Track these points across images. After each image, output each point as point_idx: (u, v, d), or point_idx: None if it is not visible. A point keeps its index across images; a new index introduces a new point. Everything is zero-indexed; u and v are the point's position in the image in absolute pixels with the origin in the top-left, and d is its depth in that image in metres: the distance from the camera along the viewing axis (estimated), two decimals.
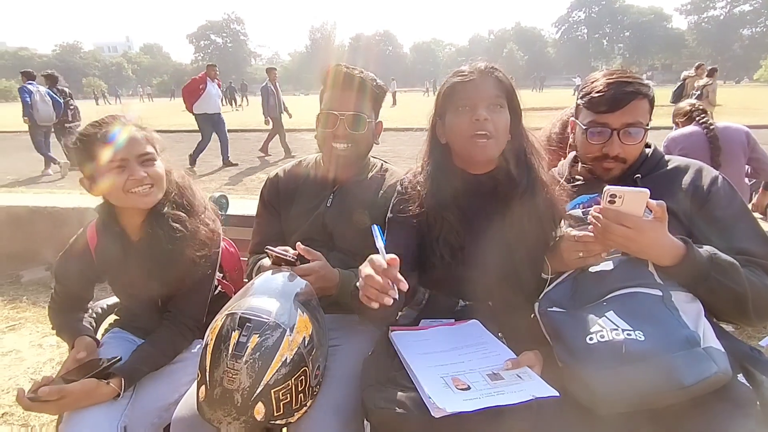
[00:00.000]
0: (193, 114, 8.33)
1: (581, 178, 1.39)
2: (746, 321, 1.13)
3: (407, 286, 0.99)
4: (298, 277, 1.20)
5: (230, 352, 0.99)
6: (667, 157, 1.36)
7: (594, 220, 1.09)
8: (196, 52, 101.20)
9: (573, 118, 1.39)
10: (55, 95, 8.15)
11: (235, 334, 1.01)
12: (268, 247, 1.30)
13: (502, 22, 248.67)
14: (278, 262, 1.28)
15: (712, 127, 2.79)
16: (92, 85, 69.47)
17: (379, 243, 1.08)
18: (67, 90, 8.68)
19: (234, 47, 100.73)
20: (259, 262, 1.42)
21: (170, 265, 1.34)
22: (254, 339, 1.00)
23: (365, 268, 1.03)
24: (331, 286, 1.32)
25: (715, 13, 78.36)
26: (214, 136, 8.61)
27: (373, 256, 1.04)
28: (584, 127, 1.29)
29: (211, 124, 8.46)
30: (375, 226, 1.13)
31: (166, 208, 1.35)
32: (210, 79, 8.30)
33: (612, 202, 1.05)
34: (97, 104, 41.99)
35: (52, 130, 8.34)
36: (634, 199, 1.04)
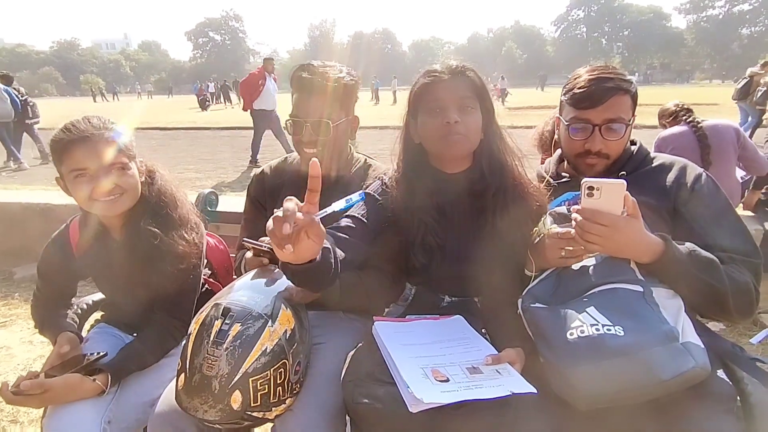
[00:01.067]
0: (252, 110, 8.01)
1: (567, 175, 1.40)
2: (728, 318, 1.13)
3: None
4: (284, 277, 1.20)
5: (211, 339, 1.01)
6: (652, 154, 1.36)
7: (573, 221, 1.09)
8: (195, 50, 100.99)
9: (557, 115, 1.39)
10: (12, 93, 8.46)
11: (217, 323, 1.03)
12: (245, 239, 1.31)
13: (501, 20, 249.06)
14: (257, 254, 1.28)
15: (699, 125, 2.80)
16: (90, 82, 69.30)
17: (338, 205, 1.01)
18: (22, 89, 9.12)
19: (233, 45, 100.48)
20: (244, 256, 1.42)
21: (150, 273, 1.34)
22: (236, 327, 1.01)
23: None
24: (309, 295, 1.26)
25: (714, 12, 78.35)
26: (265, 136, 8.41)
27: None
28: (567, 123, 1.30)
29: (267, 121, 8.17)
30: (356, 197, 1.05)
31: (142, 221, 1.33)
32: (268, 73, 7.98)
33: (590, 195, 1.05)
34: (95, 101, 41.92)
35: (11, 126, 8.69)
36: (611, 190, 1.04)
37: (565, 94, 1.31)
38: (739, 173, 3.09)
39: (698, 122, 2.80)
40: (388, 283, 1.35)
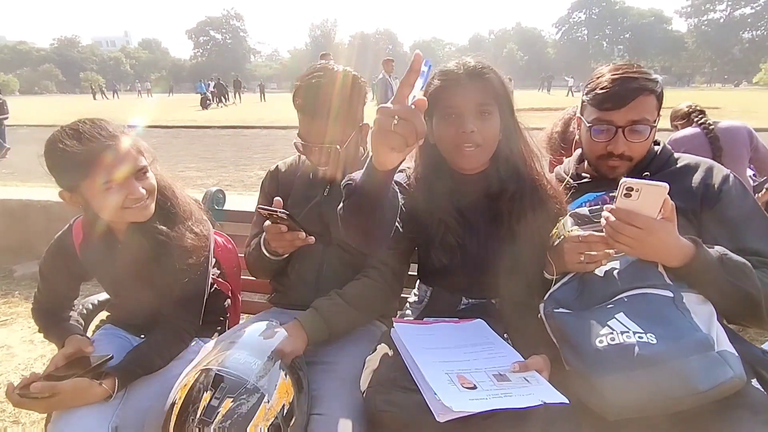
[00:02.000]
0: None
1: (588, 175, 1.36)
2: (758, 323, 1.09)
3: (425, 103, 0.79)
4: (282, 329, 1.15)
5: (198, 416, 0.89)
6: (676, 155, 1.32)
7: (605, 219, 1.05)
8: (195, 48, 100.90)
9: (579, 115, 1.35)
10: None
11: (206, 396, 0.91)
12: (260, 206, 1.27)
13: (502, 22, 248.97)
14: (275, 221, 1.25)
15: (711, 127, 2.75)
16: (90, 79, 69.08)
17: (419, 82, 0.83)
18: None
19: (233, 44, 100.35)
20: (261, 236, 1.38)
21: (157, 273, 1.30)
22: (227, 403, 0.91)
23: (391, 103, 0.80)
24: (301, 344, 1.21)
25: (715, 16, 78.44)
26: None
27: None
28: (588, 125, 1.26)
29: None
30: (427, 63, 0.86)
31: (149, 220, 1.29)
32: (386, 73, 7.39)
33: (628, 195, 1.00)
34: (95, 99, 41.84)
35: None
36: (651, 193, 0.99)
37: (587, 94, 1.27)
38: (749, 172, 3.05)
39: (710, 124, 2.76)
40: (388, 286, 1.34)
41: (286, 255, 1.38)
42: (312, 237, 1.28)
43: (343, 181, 1.01)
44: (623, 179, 1.02)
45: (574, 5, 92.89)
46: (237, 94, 32.66)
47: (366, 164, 0.90)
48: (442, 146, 1.25)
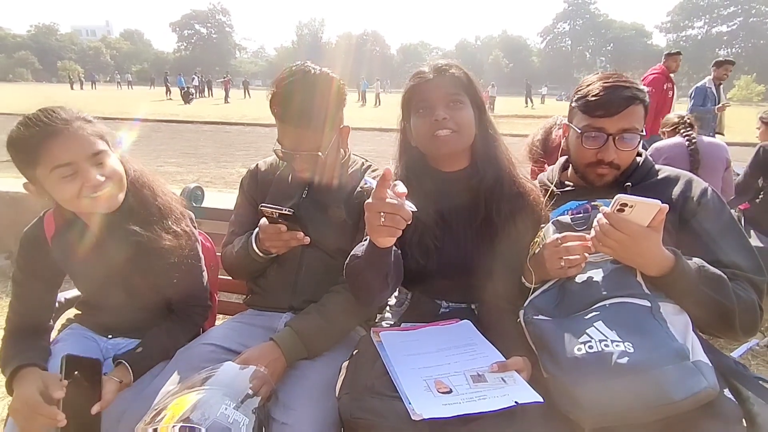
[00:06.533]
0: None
1: (571, 184, 1.37)
2: (731, 335, 1.11)
3: (405, 189, 0.95)
4: (247, 374, 1.08)
5: None
6: (657, 166, 1.34)
7: (596, 221, 1.07)
8: (179, 41, 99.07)
9: (566, 122, 1.36)
10: None
11: None
12: (263, 204, 1.25)
13: (489, 29, 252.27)
14: (274, 220, 1.24)
15: (694, 140, 2.86)
16: (67, 68, 67.14)
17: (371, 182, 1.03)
18: None
19: (219, 39, 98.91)
20: (248, 236, 1.36)
21: (132, 274, 1.26)
22: None
23: (372, 201, 0.95)
24: (280, 368, 1.19)
25: (693, 33, 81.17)
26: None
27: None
28: (579, 131, 1.26)
29: None
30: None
31: (121, 220, 1.22)
32: (670, 74, 5.70)
33: (621, 210, 1.03)
34: (72, 89, 40.59)
35: None
36: (643, 210, 1.01)
37: (577, 101, 1.27)
38: None
39: (694, 138, 2.88)
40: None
41: (274, 255, 1.35)
42: (308, 237, 1.27)
43: (348, 260, 1.16)
44: (618, 195, 1.03)
45: (559, 16, 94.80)
46: (209, 90, 32.31)
47: (367, 243, 1.07)
48: (419, 141, 1.28)
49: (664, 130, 3.22)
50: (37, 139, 1.08)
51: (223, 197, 4.30)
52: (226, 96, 26.74)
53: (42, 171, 1.10)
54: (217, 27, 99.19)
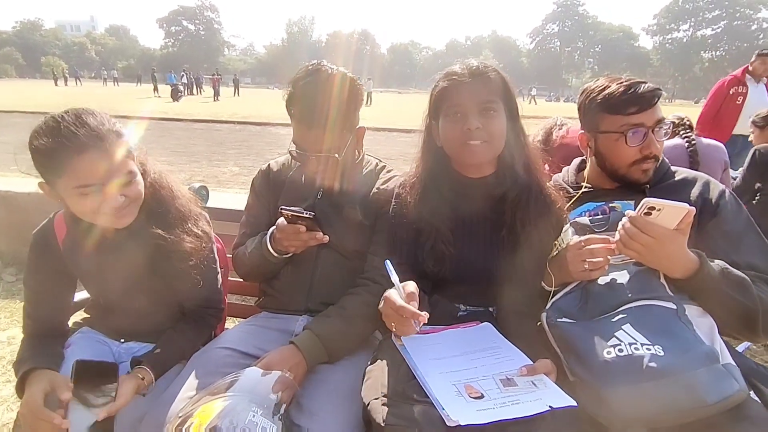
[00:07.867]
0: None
1: (589, 185, 1.36)
2: (753, 337, 1.12)
3: (426, 318, 1.00)
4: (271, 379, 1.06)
5: None
6: (673, 168, 1.34)
7: (621, 225, 1.06)
8: (166, 38, 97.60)
9: (584, 132, 1.34)
10: None
11: None
12: (283, 206, 1.22)
13: (479, 29, 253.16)
14: (294, 221, 1.22)
15: (693, 142, 2.88)
16: (51, 64, 65.78)
17: (394, 277, 1.07)
18: None
19: (207, 35, 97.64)
20: (263, 236, 1.33)
21: (152, 278, 1.23)
22: None
23: (383, 308, 1.06)
24: (301, 372, 1.18)
25: (678, 35, 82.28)
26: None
27: (389, 293, 1.05)
28: (618, 132, 1.24)
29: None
30: (387, 261, 1.10)
31: (141, 222, 1.18)
32: (755, 78, 4.68)
33: (648, 214, 1.02)
34: (56, 85, 39.82)
35: None
36: (671, 213, 1.01)
37: (598, 104, 1.26)
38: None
39: (693, 139, 2.89)
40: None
41: (289, 256, 1.33)
42: (327, 236, 1.26)
43: None
44: (645, 199, 1.02)
45: (548, 17, 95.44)
46: (199, 88, 31.90)
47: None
48: (448, 146, 1.24)
49: None
50: (64, 153, 1.01)
51: (220, 196, 4.24)
52: (216, 94, 26.44)
53: (64, 184, 1.05)
54: (205, 24, 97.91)
